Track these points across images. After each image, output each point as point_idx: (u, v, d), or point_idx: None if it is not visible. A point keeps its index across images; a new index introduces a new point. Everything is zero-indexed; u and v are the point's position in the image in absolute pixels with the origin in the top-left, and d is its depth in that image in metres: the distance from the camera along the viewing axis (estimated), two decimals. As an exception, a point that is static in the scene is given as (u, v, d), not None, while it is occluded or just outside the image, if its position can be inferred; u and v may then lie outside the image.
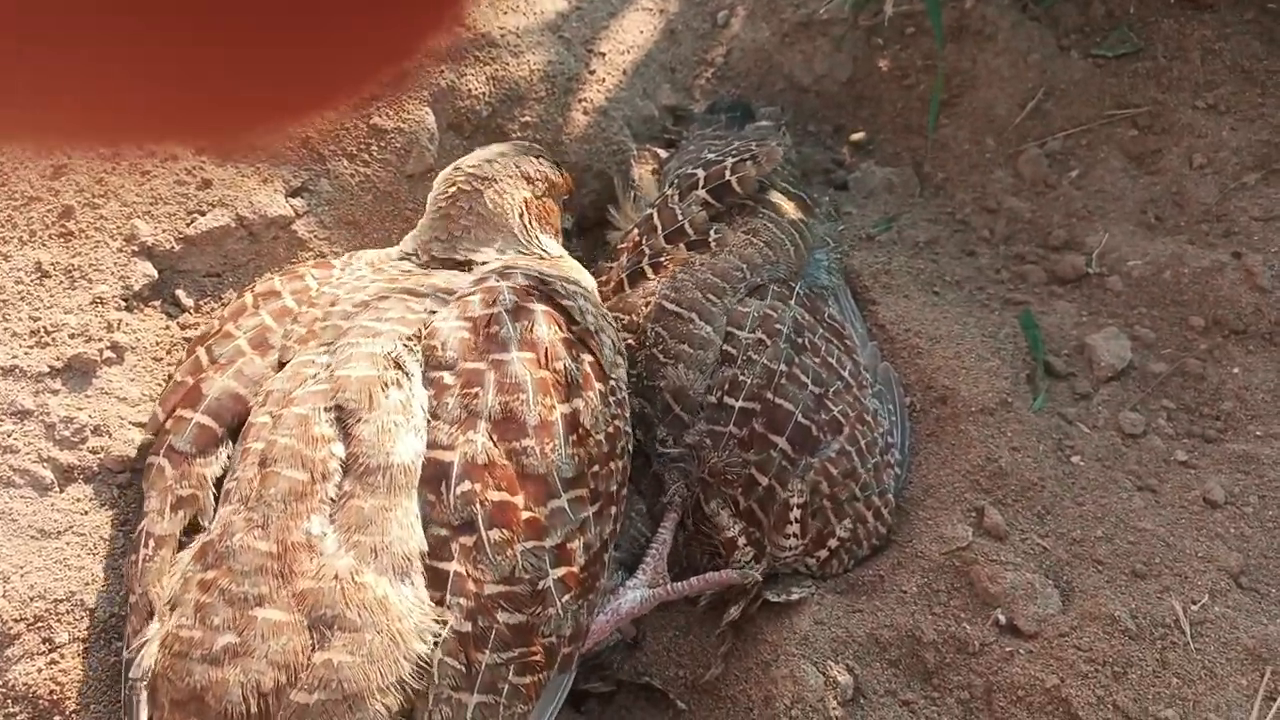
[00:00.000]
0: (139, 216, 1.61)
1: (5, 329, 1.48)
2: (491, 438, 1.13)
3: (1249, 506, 1.53)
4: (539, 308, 1.28)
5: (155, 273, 1.58)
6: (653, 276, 1.64)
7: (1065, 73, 2.11)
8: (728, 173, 1.73)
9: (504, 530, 1.10)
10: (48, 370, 1.45)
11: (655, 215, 1.74)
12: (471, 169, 1.56)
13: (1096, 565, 1.45)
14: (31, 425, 1.41)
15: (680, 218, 1.69)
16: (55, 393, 1.44)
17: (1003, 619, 1.40)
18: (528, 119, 1.97)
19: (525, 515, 1.12)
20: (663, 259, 1.65)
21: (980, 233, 1.98)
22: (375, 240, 1.77)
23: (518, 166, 1.51)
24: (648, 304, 1.57)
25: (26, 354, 1.47)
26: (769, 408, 1.45)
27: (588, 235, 2.04)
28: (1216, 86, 2.07)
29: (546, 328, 1.25)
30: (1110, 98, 2.09)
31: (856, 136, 2.19)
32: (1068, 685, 1.32)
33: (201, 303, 1.61)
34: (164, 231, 1.61)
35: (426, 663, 1.03)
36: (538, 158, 1.62)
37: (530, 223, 1.53)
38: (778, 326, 1.52)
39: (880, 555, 1.50)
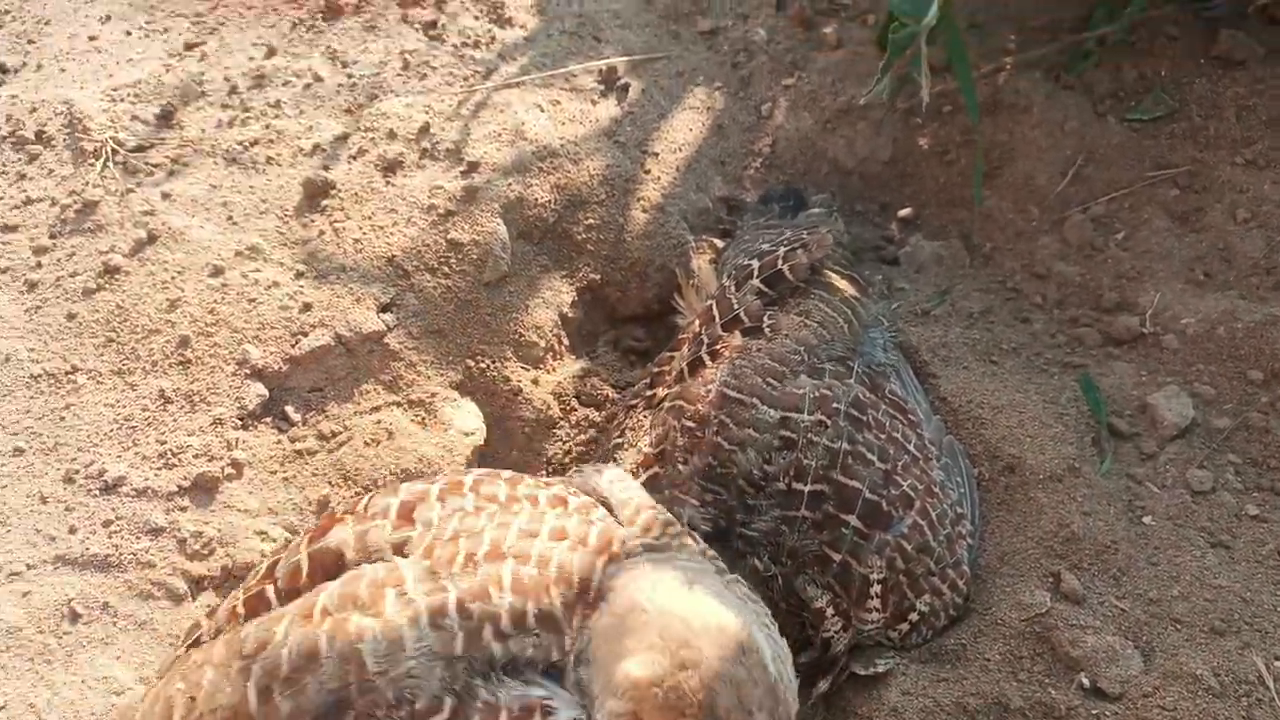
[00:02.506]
0: (249, 341, 1.76)
1: (136, 453, 1.63)
2: None
3: (1323, 557, 1.56)
4: None
5: (266, 392, 1.72)
6: (710, 364, 1.70)
7: (1103, 138, 2.19)
8: (780, 261, 1.82)
9: None
10: (176, 489, 1.59)
11: (714, 306, 1.83)
12: None
13: (1175, 624, 1.49)
14: (165, 541, 1.54)
15: (736, 306, 1.77)
16: (184, 510, 1.58)
17: (1087, 682, 1.44)
18: (591, 221, 2.10)
19: None
20: (719, 346, 1.72)
21: (1032, 299, 2.05)
22: (459, 347, 1.89)
23: None
24: (709, 392, 1.62)
25: (156, 475, 1.61)
26: (837, 487, 1.51)
27: (653, 325, 2.15)
28: (1254, 142, 2.13)
29: None
30: (1149, 159, 2.17)
31: (904, 213, 2.29)
32: (1156, 745, 1.36)
33: (308, 416, 1.74)
34: (272, 354, 1.75)
35: None
36: None
37: None
38: (835, 406, 1.58)
39: (961, 624, 1.55)
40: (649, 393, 1.78)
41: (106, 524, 1.55)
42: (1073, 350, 1.94)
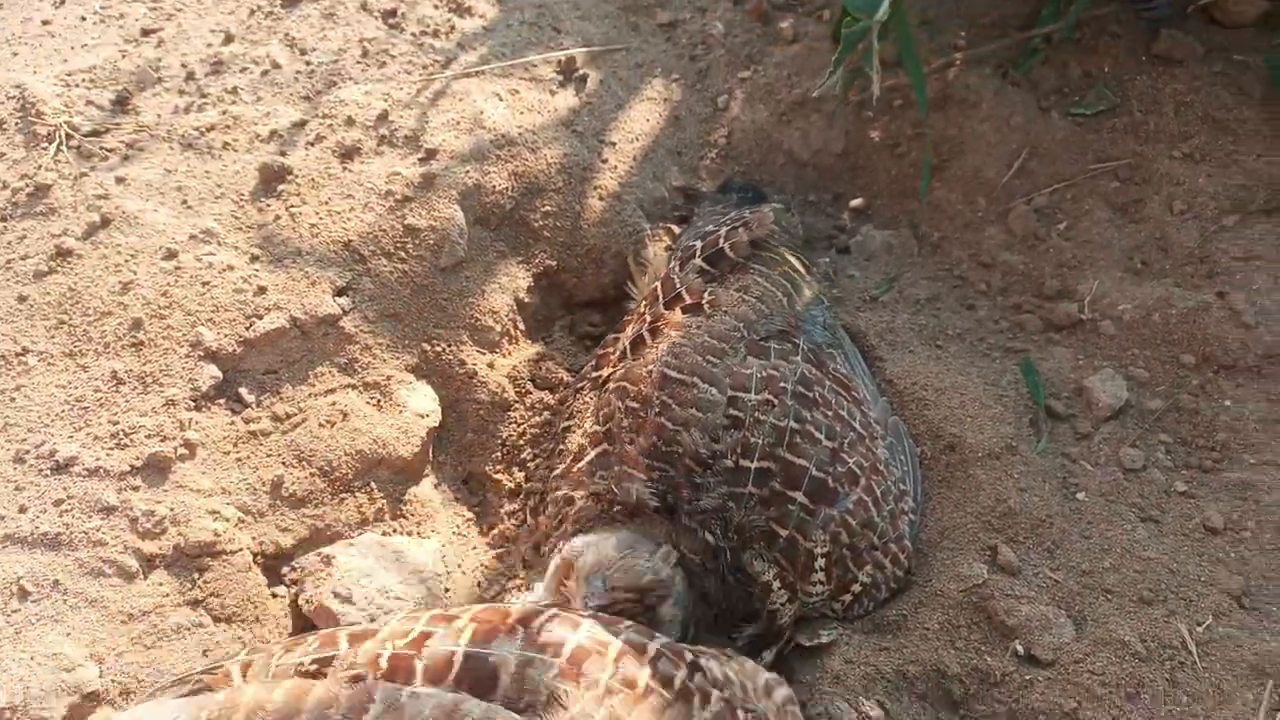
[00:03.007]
0: (202, 324, 1.76)
1: (88, 433, 1.63)
2: None
3: (1247, 531, 1.62)
4: None
5: (220, 374, 1.73)
6: (651, 342, 1.72)
7: (1048, 132, 2.25)
8: (722, 240, 1.86)
9: None
10: (128, 469, 1.60)
11: (659, 286, 1.86)
12: None
13: (1106, 594, 1.55)
14: (116, 520, 1.55)
15: (678, 285, 1.81)
16: (136, 489, 1.58)
17: (1021, 649, 1.49)
18: (548, 209, 2.13)
19: None
20: (659, 324, 1.75)
21: (978, 287, 2.10)
22: (415, 331, 1.91)
23: None
24: (650, 373, 1.64)
25: (108, 455, 1.61)
26: (784, 465, 1.55)
27: (609, 310, 2.18)
28: (1191, 136, 2.20)
29: None
30: (1092, 153, 2.23)
31: (855, 203, 2.34)
32: (1084, 709, 1.41)
33: (262, 398, 1.75)
34: (225, 336, 1.76)
35: None
36: None
37: None
38: (782, 385, 1.61)
39: (902, 596, 1.60)
40: (595, 374, 1.81)
41: (57, 503, 1.55)
42: (1014, 335, 2.00)
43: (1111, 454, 1.75)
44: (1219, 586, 1.54)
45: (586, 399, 1.78)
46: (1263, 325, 1.87)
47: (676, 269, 1.87)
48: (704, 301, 1.77)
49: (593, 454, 1.59)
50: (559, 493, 1.62)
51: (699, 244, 1.89)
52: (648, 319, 1.78)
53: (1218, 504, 1.66)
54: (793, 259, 1.91)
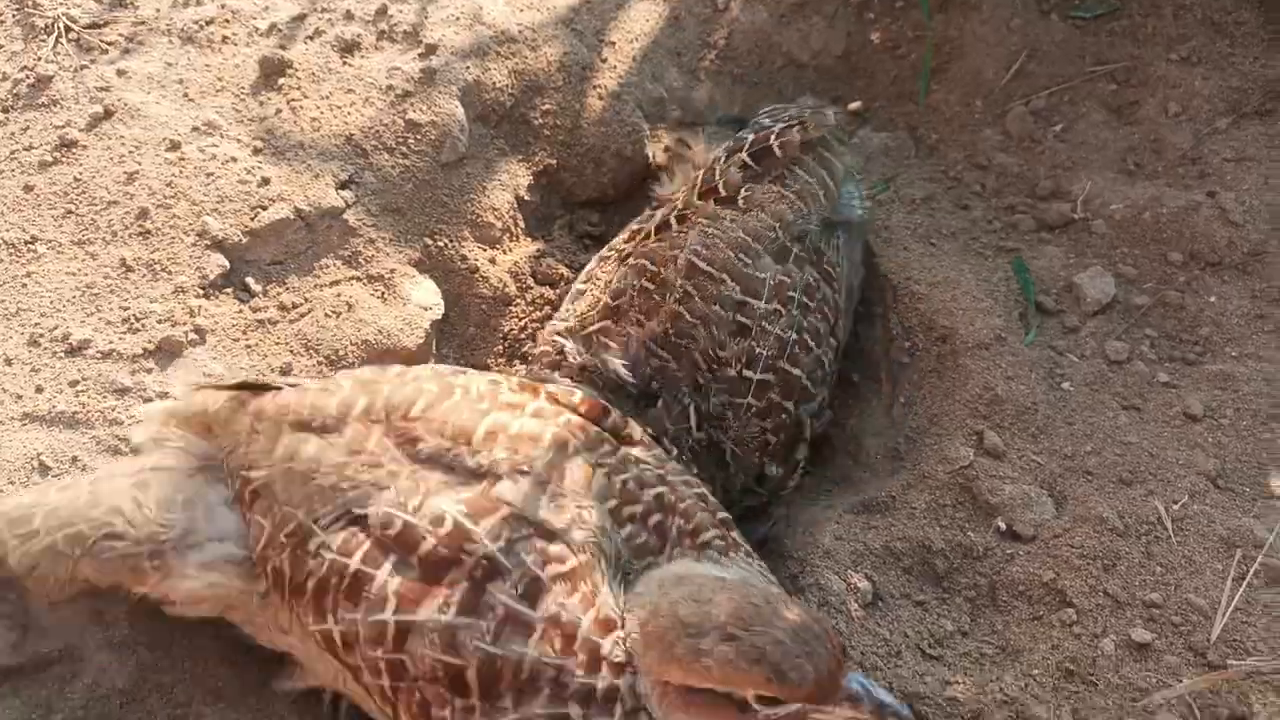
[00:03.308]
0: (208, 214, 1.79)
1: (100, 318, 1.67)
2: None
3: (1225, 419, 1.68)
4: None
5: (226, 263, 1.76)
6: (677, 228, 1.71)
7: (1047, 35, 2.26)
8: (773, 137, 1.81)
9: None
10: (141, 352, 1.64)
11: (699, 176, 1.82)
12: None
13: (1086, 476, 1.61)
14: (131, 400, 1.59)
15: (717, 177, 1.77)
16: (149, 371, 1.62)
17: (1003, 526, 1.56)
18: (548, 107, 2.14)
19: None
20: (689, 212, 1.73)
21: (972, 188, 2.13)
22: (418, 225, 1.94)
23: None
24: (676, 258, 1.62)
25: (120, 339, 1.65)
26: (783, 377, 1.58)
27: (608, 210, 2.20)
28: (1188, 39, 2.21)
29: None
30: (1090, 56, 2.24)
31: (854, 106, 2.34)
32: (1063, 578, 1.49)
33: (268, 288, 1.79)
34: (231, 226, 1.79)
35: None
36: None
37: None
38: (790, 294, 1.62)
39: (892, 478, 1.66)
40: (623, 246, 1.80)
41: (73, 384, 1.59)
42: (1007, 235, 2.03)
43: (1097, 347, 1.80)
44: (1195, 469, 1.61)
45: (609, 268, 1.77)
46: (1250, 224, 1.91)
47: (722, 159, 1.83)
48: (739, 197, 1.74)
49: (596, 326, 1.62)
50: (554, 342, 1.64)
51: (750, 136, 1.85)
52: (679, 205, 1.76)
53: (1198, 393, 1.72)
54: (839, 165, 1.87)
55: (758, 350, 1.58)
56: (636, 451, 1.33)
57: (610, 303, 1.64)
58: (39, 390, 1.59)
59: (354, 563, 1.21)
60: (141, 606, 1.40)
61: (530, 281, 2.01)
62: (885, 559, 1.55)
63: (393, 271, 1.88)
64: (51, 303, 1.67)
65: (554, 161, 2.13)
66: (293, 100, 1.95)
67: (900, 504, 1.61)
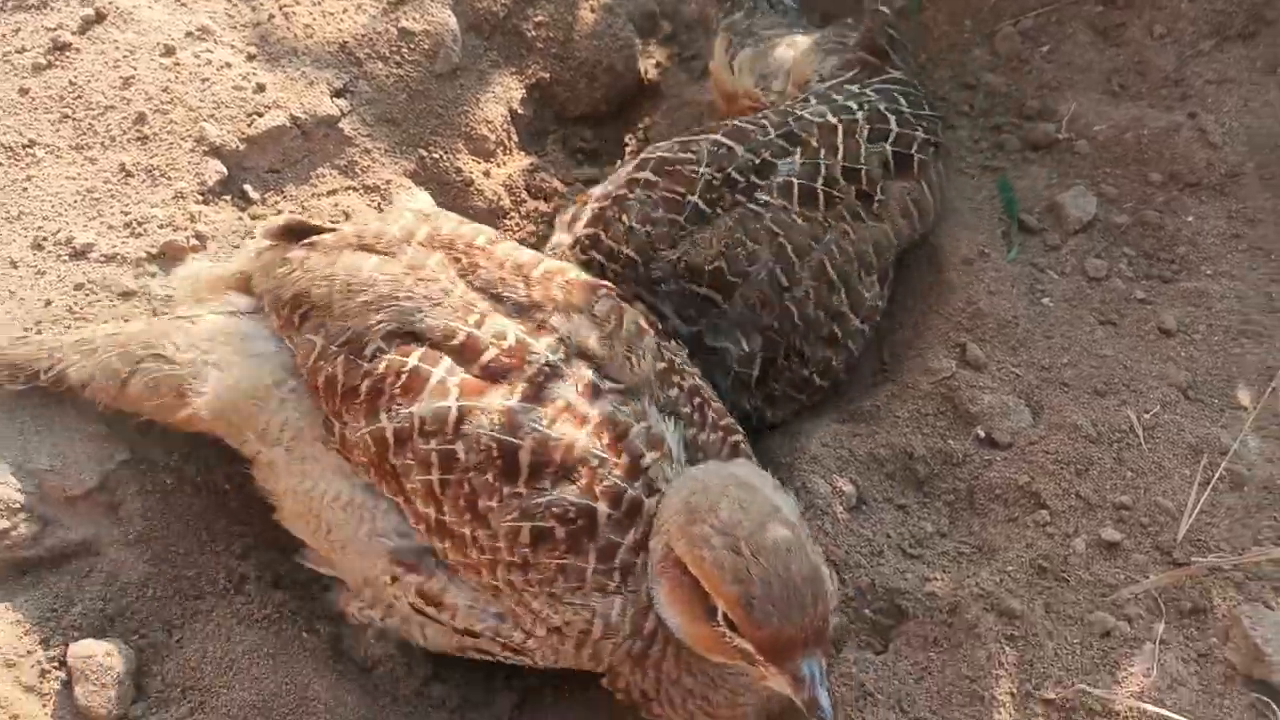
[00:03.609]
0: (205, 120, 1.79)
1: (102, 222, 1.68)
2: None
3: (1198, 334, 1.76)
4: None
5: (225, 170, 1.77)
6: (822, 210, 1.65)
7: (1038, -46, 2.26)
8: (914, 147, 1.77)
9: None
10: (144, 256, 1.66)
11: (839, 133, 1.71)
12: None
13: (1063, 387, 1.68)
14: (136, 303, 1.62)
15: (862, 161, 1.71)
16: (153, 275, 1.65)
17: (982, 434, 1.64)
18: (540, 18, 2.13)
19: None
20: (835, 192, 1.66)
21: (960, 107, 2.16)
22: (412, 136, 1.94)
23: None
24: (810, 246, 1.61)
25: (123, 243, 1.67)
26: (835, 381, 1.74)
27: (601, 126, 2.22)
28: (1176, -39, 2.22)
29: None
30: (1080, -25, 2.25)
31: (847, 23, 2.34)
32: (1038, 482, 1.57)
33: (266, 196, 1.80)
34: (228, 133, 1.79)
35: None
36: None
37: None
38: (878, 319, 1.76)
39: (878, 389, 1.73)
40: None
41: (79, 286, 1.61)
42: (993, 155, 2.07)
43: (1077, 264, 1.86)
44: (1168, 380, 1.68)
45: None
46: (1229, 146, 1.96)
47: (865, 134, 1.75)
48: (876, 196, 1.73)
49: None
50: (590, 207, 1.70)
51: (895, 127, 1.78)
52: (823, 170, 1.68)
53: (1173, 309, 1.79)
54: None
55: (834, 364, 1.67)
56: (673, 344, 1.46)
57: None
58: (47, 304, 1.60)
59: (413, 360, 1.29)
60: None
61: (525, 195, 2.03)
62: (869, 465, 1.62)
63: (388, 183, 1.90)
64: (53, 206, 1.68)
65: (547, 75, 2.13)
66: (285, 6, 1.93)
67: (885, 413, 1.68)
